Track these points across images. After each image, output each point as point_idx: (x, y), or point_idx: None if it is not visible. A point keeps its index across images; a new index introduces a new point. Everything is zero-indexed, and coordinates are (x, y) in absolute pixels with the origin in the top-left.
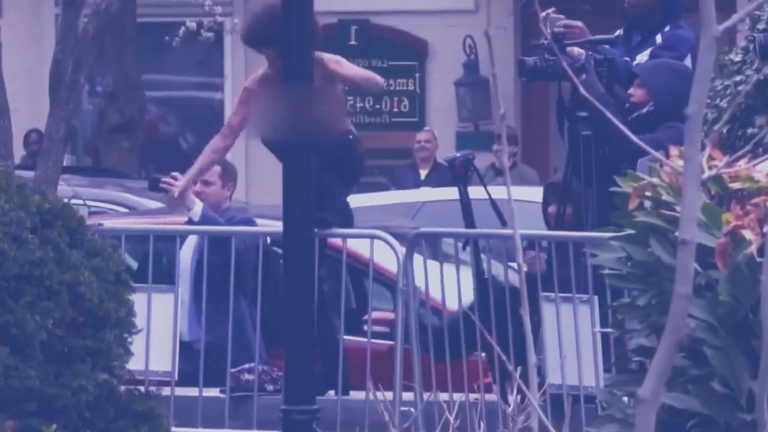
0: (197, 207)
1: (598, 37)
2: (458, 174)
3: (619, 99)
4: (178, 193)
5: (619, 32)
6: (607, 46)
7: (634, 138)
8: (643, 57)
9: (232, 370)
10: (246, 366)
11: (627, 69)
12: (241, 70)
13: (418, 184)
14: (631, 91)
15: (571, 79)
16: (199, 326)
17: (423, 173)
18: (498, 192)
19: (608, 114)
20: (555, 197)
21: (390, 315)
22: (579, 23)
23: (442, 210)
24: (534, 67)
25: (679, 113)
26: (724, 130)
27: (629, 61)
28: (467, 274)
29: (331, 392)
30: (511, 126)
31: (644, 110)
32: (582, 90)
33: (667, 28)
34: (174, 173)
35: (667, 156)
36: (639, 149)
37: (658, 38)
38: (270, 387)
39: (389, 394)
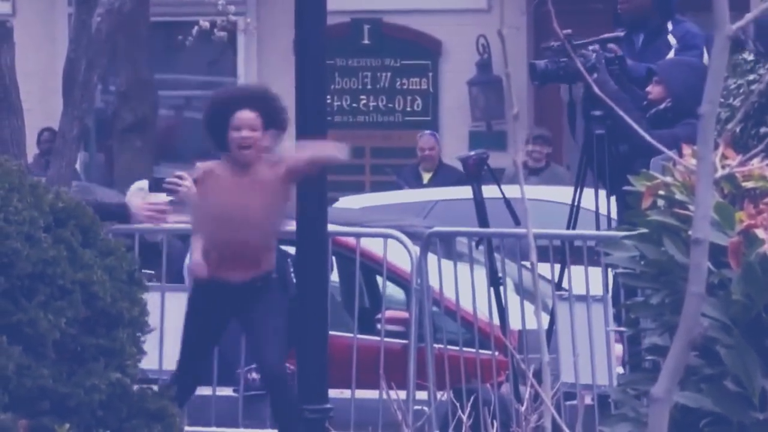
0: None
1: (607, 35)
2: (472, 173)
3: (636, 97)
4: (184, 194)
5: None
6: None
7: (647, 136)
8: None
9: (242, 369)
10: (254, 365)
11: (638, 71)
12: (254, 69)
13: (421, 187)
14: (649, 88)
15: (584, 79)
16: None
17: (426, 176)
18: (536, 192)
19: (620, 112)
20: None
21: (403, 314)
22: (613, 46)
23: (454, 209)
24: (545, 70)
25: (696, 111)
26: (738, 129)
27: (640, 64)
28: (481, 274)
29: (346, 391)
30: (540, 129)
31: (662, 106)
32: (595, 88)
33: (670, 27)
34: (179, 173)
35: (681, 155)
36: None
37: (671, 39)
38: None
39: (402, 393)
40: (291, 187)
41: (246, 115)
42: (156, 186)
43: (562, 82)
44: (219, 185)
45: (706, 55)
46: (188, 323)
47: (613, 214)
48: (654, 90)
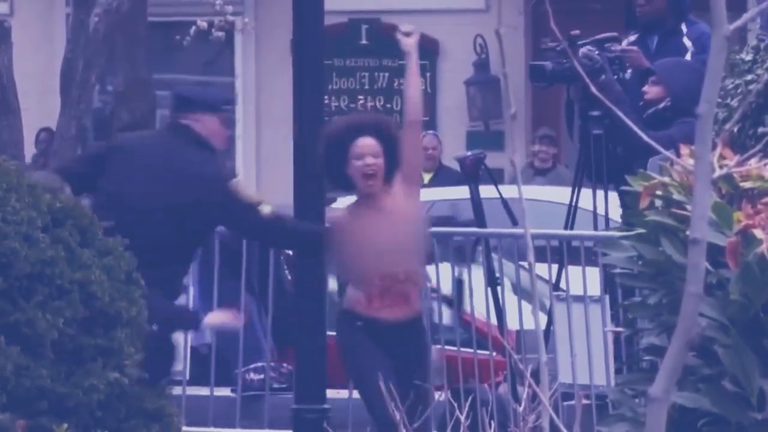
0: None
1: (605, 35)
2: (469, 173)
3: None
4: None
5: (631, 38)
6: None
7: (645, 137)
8: None
9: (239, 370)
10: (252, 366)
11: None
12: (252, 69)
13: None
14: (645, 88)
15: (591, 80)
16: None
17: (427, 177)
18: (535, 192)
19: (620, 114)
20: None
21: None
22: (635, 48)
23: (452, 209)
24: (553, 71)
25: (693, 110)
26: (735, 129)
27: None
28: (479, 274)
29: (344, 391)
30: (549, 129)
31: (661, 105)
32: (594, 90)
33: (684, 29)
34: None
35: (678, 155)
36: (654, 146)
37: (686, 41)
38: (276, 385)
39: None
40: (416, 195)
41: (367, 142)
42: None
43: (570, 83)
44: (353, 224)
45: None
46: (361, 367)
47: (613, 215)
48: (651, 90)
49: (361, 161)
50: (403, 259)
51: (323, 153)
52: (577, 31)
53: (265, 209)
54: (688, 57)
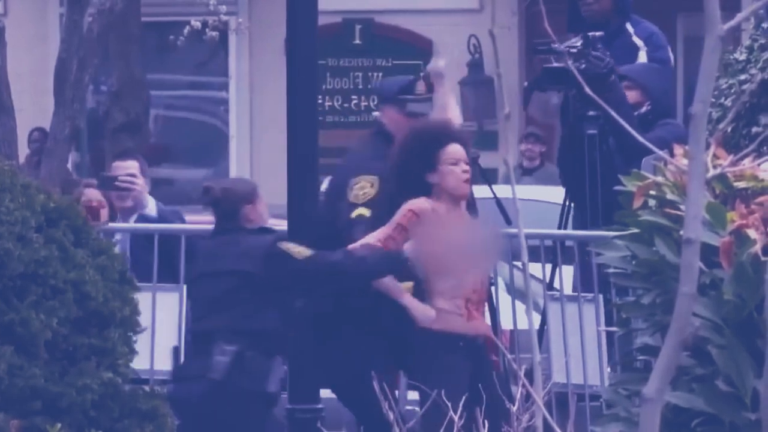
0: (151, 203)
1: (595, 33)
2: None
3: None
4: (138, 193)
5: (573, 40)
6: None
7: (641, 139)
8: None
9: None
10: None
11: None
12: (246, 69)
13: None
14: None
15: (599, 82)
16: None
17: None
18: (523, 191)
19: (615, 115)
20: None
21: None
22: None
23: None
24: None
25: (669, 111)
26: (729, 129)
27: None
28: None
29: None
30: (535, 128)
31: (643, 110)
32: (587, 90)
33: (630, 28)
34: (131, 171)
35: (672, 155)
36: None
37: (636, 40)
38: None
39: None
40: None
41: (459, 148)
42: (107, 184)
43: (587, 84)
44: (445, 225)
45: (670, 53)
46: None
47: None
48: (628, 95)
49: (458, 167)
50: (487, 264)
51: (405, 158)
52: (593, 33)
53: (364, 213)
54: (642, 55)
